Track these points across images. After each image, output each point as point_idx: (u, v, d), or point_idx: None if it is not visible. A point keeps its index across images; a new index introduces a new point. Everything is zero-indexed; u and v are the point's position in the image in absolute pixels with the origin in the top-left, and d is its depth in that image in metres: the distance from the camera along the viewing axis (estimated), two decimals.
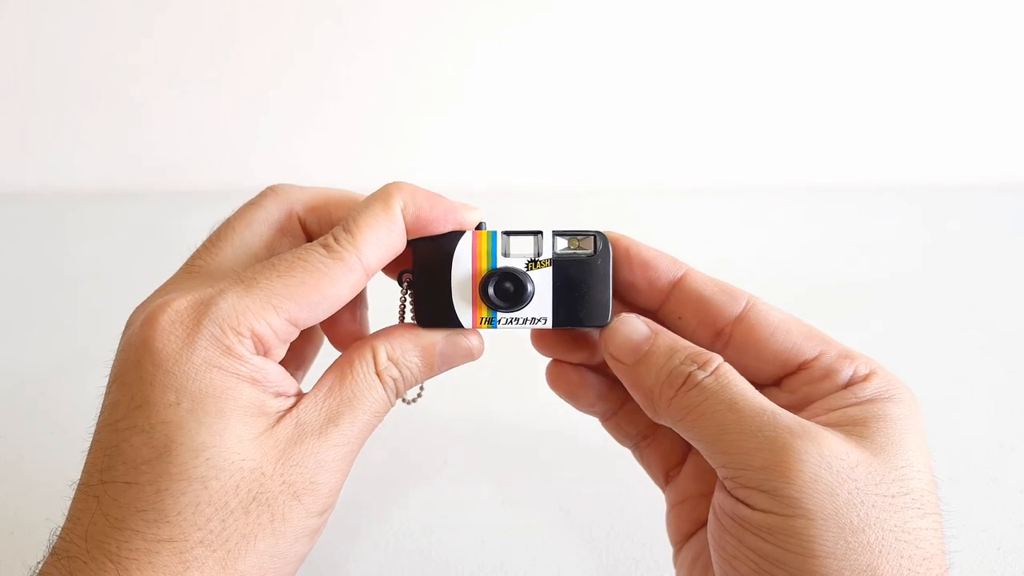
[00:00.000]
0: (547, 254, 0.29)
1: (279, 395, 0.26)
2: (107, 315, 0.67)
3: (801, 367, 0.28)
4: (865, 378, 0.27)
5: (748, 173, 0.93)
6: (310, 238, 0.30)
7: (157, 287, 0.28)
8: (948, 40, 0.87)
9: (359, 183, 0.91)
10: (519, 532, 0.43)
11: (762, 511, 0.23)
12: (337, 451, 0.26)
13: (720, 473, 0.25)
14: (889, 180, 0.92)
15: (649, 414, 0.29)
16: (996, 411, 0.52)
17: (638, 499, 0.44)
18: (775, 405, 0.25)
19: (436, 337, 0.29)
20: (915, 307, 0.65)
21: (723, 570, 0.25)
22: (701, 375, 0.26)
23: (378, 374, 0.28)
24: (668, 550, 0.33)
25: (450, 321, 0.29)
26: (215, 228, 0.29)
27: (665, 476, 0.33)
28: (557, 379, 0.33)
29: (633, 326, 0.28)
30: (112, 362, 0.26)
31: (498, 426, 0.51)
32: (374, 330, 0.30)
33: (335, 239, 0.27)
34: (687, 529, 0.31)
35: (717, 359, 0.27)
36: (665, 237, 0.30)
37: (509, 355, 0.56)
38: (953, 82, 0.89)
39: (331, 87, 0.90)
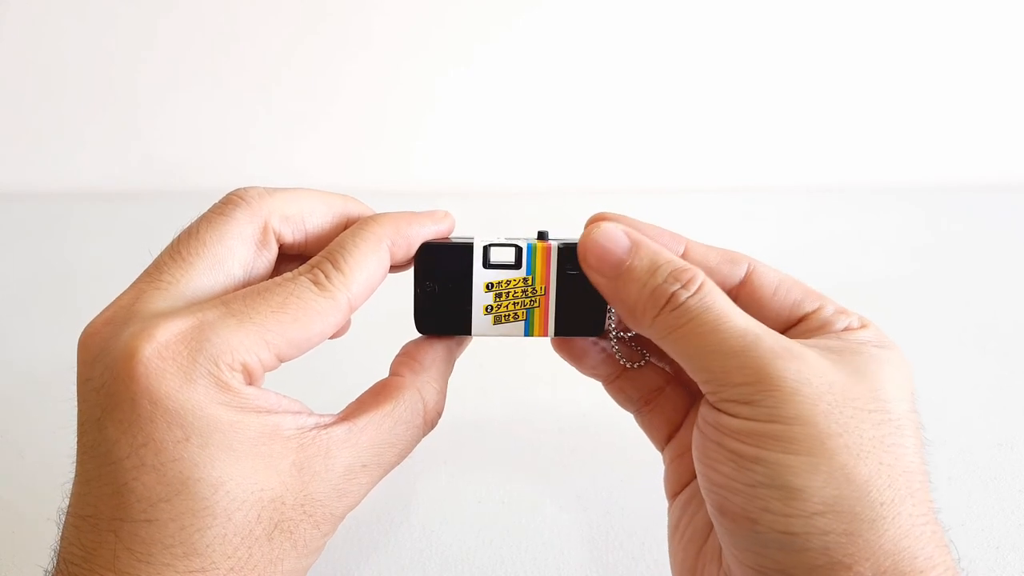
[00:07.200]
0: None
1: (296, 413, 0.25)
2: None
3: (801, 319, 0.29)
4: (859, 328, 0.28)
5: (748, 173, 0.93)
6: (282, 248, 0.29)
7: (116, 297, 0.26)
8: (948, 40, 0.87)
9: (359, 183, 0.91)
10: (519, 532, 0.43)
11: (743, 418, 0.24)
12: (362, 488, 0.26)
13: (703, 388, 0.26)
14: (890, 180, 0.92)
15: (630, 324, 0.29)
16: (995, 411, 0.52)
17: (638, 499, 0.45)
18: (759, 325, 0.26)
19: (454, 353, 0.31)
20: (915, 307, 0.65)
21: (706, 476, 0.26)
22: (684, 295, 0.26)
23: (425, 422, 0.28)
24: (668, 550, 0.33)
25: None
26: (178, 238, 0.27)
27: (667, 438, 0.34)
28: (562, 342, 0.34)
29: (612, 237, 0.28)
30: (84, 392, 0.24)
31: (498, 426, 0.51)
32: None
33: (327, 277, 0.26)
34: (686, 478, 0.32)
35: (699, 276, 0.27)
36: None
37: (509, 355, 0.57)
38: (954, 82, 0.89)
39: (331, 87, 0.90)
